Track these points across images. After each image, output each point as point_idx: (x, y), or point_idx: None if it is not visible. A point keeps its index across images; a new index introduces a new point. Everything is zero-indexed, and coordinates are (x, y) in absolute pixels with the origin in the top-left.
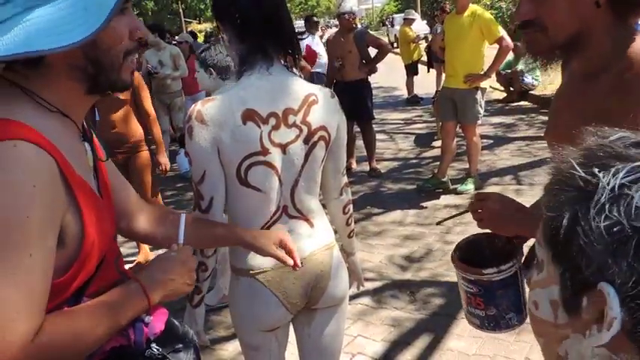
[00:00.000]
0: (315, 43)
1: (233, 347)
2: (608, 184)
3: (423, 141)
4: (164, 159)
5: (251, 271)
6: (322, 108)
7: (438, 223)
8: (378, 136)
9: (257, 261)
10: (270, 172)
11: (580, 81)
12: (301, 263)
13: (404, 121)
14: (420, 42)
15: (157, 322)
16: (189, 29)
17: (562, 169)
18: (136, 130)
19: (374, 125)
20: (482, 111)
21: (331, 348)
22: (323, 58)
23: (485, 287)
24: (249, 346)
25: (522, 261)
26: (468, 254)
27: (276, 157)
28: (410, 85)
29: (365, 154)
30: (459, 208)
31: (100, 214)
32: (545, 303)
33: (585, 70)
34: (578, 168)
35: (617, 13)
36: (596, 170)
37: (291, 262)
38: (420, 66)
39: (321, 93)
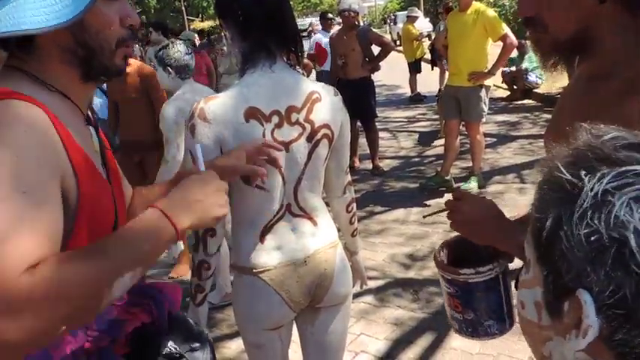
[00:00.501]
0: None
1: (236, 345)
2: (591, 189)
3: (426, 139)
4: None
5: (254, 270)
6: (326, 106)
7: (425, 217)
8: (381, 134)
9: (260, 260)
10: (274, 171)
11: (586, 82)
12: (305, 261)
13: (407, 119)
14: (423, 40)
15: (173, 295)
16: (191, 27)
17: (552, 168)
18: (152, 129)
19: (377, 123)
20: (486, 109)
21: (335, 346)
22: None
23: (462, 288)
24: (253, 345)
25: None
26: (463, 253)
27: (279, 155)
28: (413, 83)
29: (368, 152)
30: None
31: (101, 189)
32: (530, 304)
33: (592, 72)
34: (564, 170)
35: (626, 8)
36: (582, 173)
37: (263, 170)
38: (423, 64)
39: (324, 91)
